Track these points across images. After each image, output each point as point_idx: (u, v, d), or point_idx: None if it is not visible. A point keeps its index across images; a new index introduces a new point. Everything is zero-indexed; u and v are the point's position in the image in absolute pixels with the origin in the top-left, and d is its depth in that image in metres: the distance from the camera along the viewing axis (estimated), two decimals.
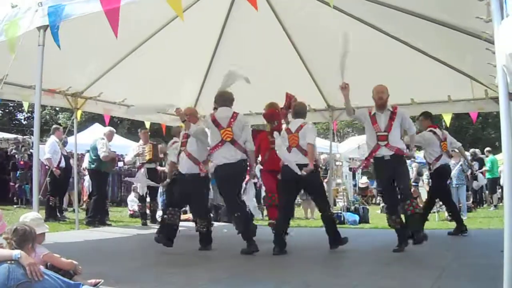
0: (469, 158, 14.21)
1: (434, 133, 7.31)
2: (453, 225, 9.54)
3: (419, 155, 12.15)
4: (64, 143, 9.87)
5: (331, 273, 4.52)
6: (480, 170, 14.22)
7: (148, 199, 9.57)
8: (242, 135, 5.78)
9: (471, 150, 15.00)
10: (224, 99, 5.93)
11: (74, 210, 9.26)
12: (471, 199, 13.73)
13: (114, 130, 10.08)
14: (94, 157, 9.21)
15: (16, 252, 3.00)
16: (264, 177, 7.05)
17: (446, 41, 6.12)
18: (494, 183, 14.33)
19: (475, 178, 14.05)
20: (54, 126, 10.41)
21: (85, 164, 10.90)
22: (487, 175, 14.40)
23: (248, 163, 5.97)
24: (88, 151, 9.86)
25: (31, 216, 3.49)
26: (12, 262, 2.97)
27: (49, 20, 4.01)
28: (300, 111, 6.11)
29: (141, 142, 9.38)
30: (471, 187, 13.80)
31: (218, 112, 5.87)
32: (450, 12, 5.32)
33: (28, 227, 3.25)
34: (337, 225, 8.55)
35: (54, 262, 3.33)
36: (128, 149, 15.14)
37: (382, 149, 5.68)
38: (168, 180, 6.96)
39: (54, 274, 3.12)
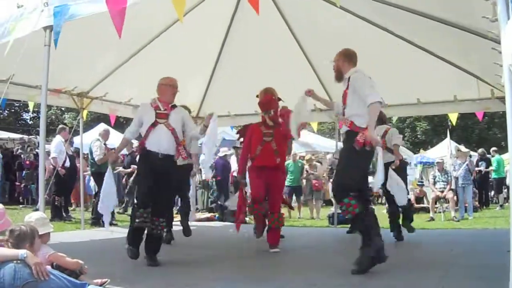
0: (477, 157, 14.20)
1: None
2: (458, 225, 9.56)
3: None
4: (70, 143, 9.91)
5: (334, 272, 4.50)
6: (487, 170, 14.17)
7: None
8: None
9: (479, 150, 14.94)
10: None
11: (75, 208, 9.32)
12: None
13: (109, 129, 10.07)
14: (92, 161, 9.23)
15: (22, 252, 3.00)
16: (252, 175, 6.05)
17: (452, 40, 6.08)
18: (500, 183, 14.28)
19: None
20: (60, 126, 10.46)
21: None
22: (493, 175, 14.35)
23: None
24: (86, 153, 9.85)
25: (35, 216, 3.51)
26: (18, 261, 2.97)
27: (54, 20, 4.02)
28: (382, 119, 6.77)
29: None
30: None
31: None
32: (456, 12, 5.29)
33: (25, 226, 3.23)
34: (341, 225, 8.59)
35: (60, 261, 3.34)
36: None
37: (343, 126, 4.62)
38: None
39: (60, 274, 3.12)
